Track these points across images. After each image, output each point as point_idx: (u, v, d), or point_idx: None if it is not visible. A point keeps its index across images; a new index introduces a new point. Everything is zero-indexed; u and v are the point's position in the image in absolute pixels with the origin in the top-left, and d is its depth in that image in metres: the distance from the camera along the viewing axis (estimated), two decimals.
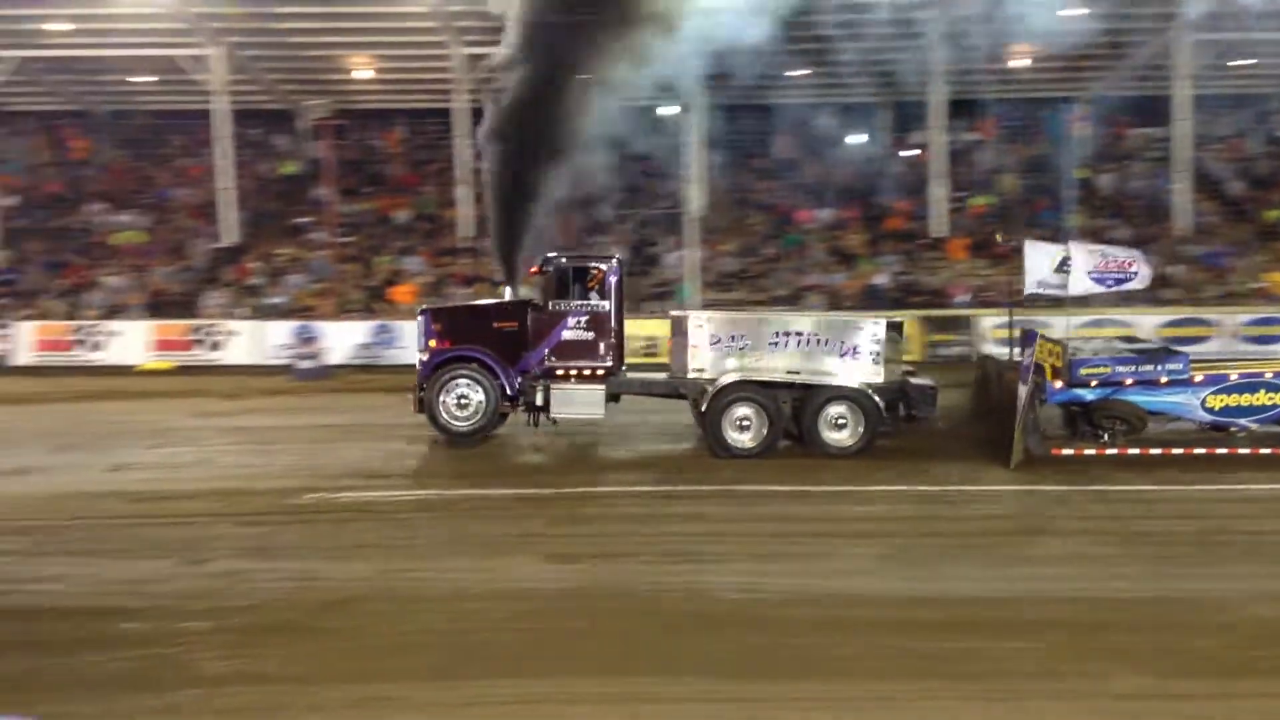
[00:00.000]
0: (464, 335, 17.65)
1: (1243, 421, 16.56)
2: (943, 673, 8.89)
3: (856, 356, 16.74)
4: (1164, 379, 16.23)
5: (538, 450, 17.51)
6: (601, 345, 17.38)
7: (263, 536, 12.95)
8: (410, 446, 17.73)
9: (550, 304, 17.44)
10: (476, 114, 34.95)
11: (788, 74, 32.83)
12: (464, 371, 17.32)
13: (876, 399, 16.55)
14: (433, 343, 17.68)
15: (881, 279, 30.87)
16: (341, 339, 27.46)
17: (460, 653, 9.43)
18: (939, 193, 32.85)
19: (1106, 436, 16.42)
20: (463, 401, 17.35)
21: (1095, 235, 31.40)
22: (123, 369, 27.58)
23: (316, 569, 11.74)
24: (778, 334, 16.89)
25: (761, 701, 8.40)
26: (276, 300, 29.37)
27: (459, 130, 32.00)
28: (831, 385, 16.67)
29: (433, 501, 14.52)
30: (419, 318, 18.12)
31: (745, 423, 16.73)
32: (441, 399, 17.36)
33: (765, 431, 16.69)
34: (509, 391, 17.38)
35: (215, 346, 28.07)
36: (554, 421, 17.71)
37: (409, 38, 31.07)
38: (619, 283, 17.50)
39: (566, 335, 17.36)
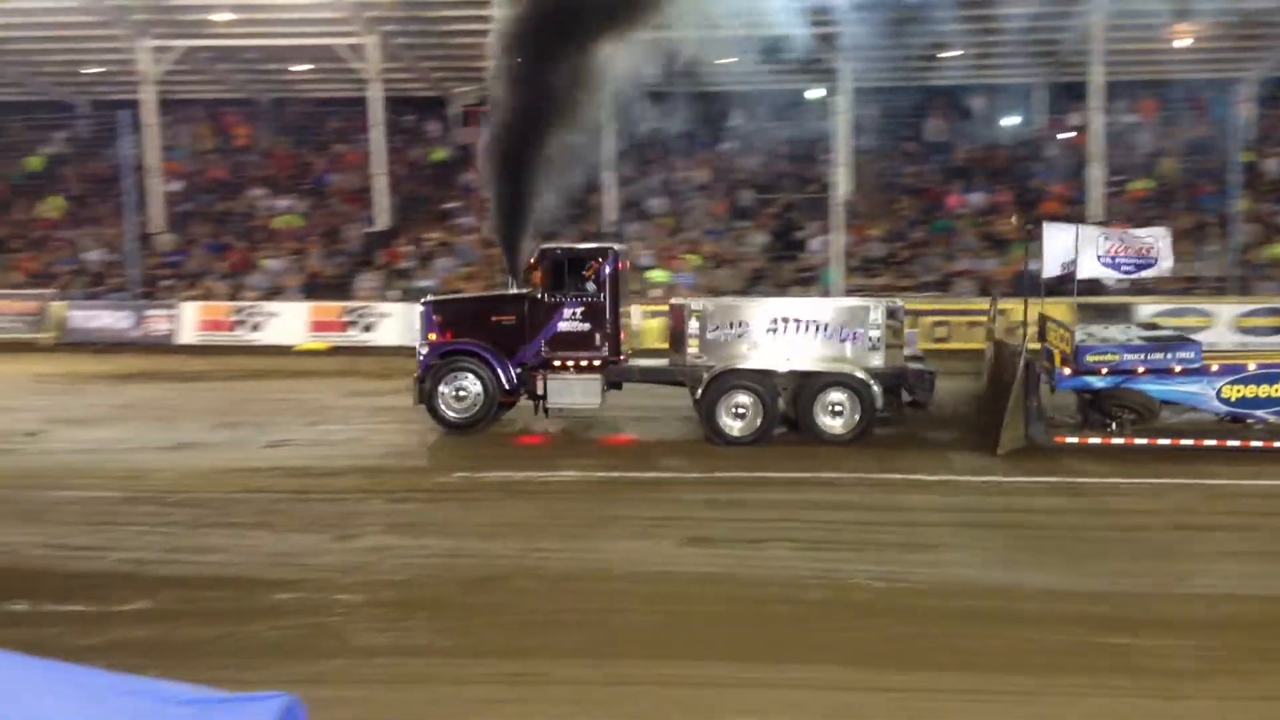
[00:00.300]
0: (464, 328, 17.79)
1: (1260, 413, 16.01)
2: (1089, 668, 8.66)
3: (855, 341, 16.55)
4: (1176, 367, 15.75)
5: (676, 436, 17.58)
6: (597, 336, 17.33)
7: (412, 513, 13.29)
8: (553, 429, 17.99)
9: (546, 295, 17.39)
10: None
11: (940, 54, 32.22)
12: (461, 364, 17.42)
13: (873, 385, 16.31)
14: (432, 335, 17.88)
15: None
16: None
17: (603, 632, 9.54)
18: (1096, 176, 31.86)
19: (1115, 425, 15.95)
20: (460, 393, 17.44)
21: (1257, 218, 30.15)
22: (281, 349, 28.51)
23: (464, 546, 12.00)
24: (776, 320, 16.74)
25: (906, 692, 8.30)
26: (425, 283, 30.03)
27: (607, 116, 32.22)
28: (827, 371, 16.48)
29: (576, 483, 14.70)
30: (420, 309, 18.32)
31: (740, 410, 16.62)
32: (440, 390, 17.46)
33: (760, 419, 16.56)
34: (506, 385, 17.43)
35: (368, 328, 28.82)
36: (546, 414, 17.74)
37: None
38: (614, 274, 17.33)
39: (562, 326, 17.34)
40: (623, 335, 17.67)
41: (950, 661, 8.81)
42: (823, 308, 17.29)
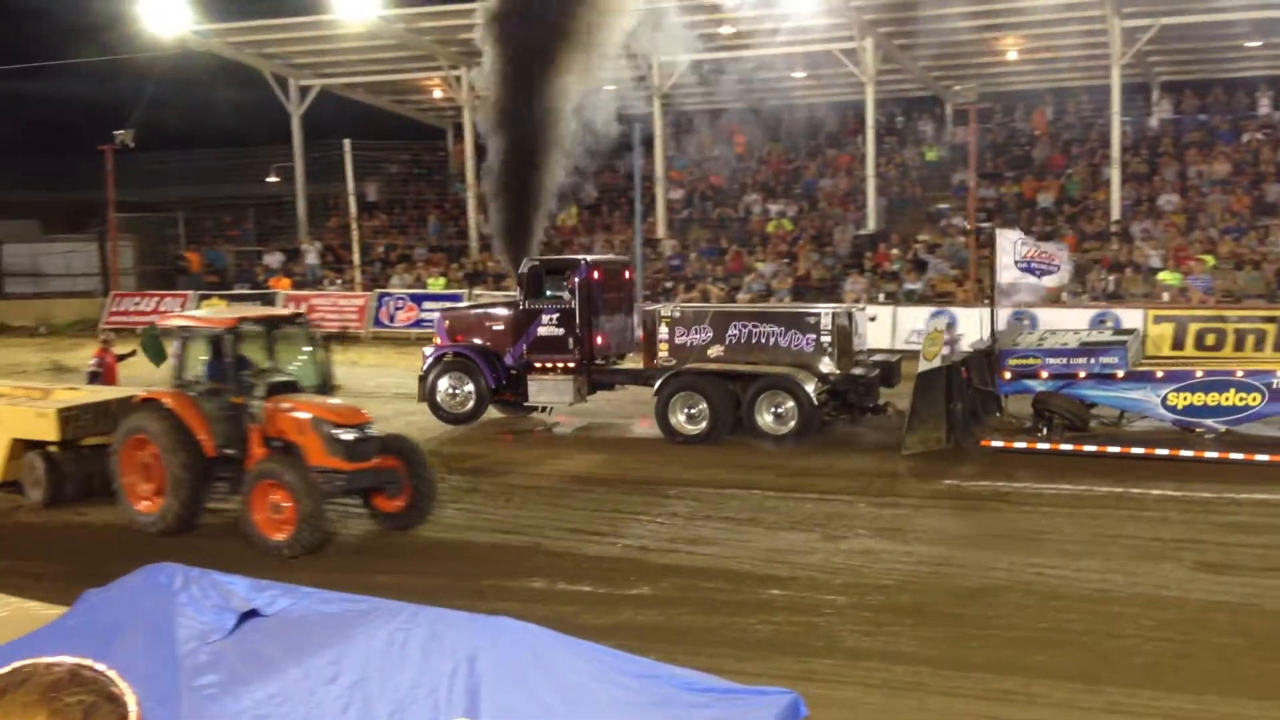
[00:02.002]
0: (466, 333, 19.33)
1: (1209, 422, 15.35)
2: None
3: (806, 346, 17.23)
4: (1082, 374, 15.58)
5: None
6: (570, 340, 18.42)
7: (899, 518, 13.26)
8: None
9: (527, 303, 18.67)
10: (1133, 90, 33.30)
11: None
12: (456, 366, 18.86)
13: (808, 388, 16.82)
14: (436, 339, 19.75)
15: None
16: (976, 326, 27.17)
17: (1099, 656, 9.07)
18: None
19: (1045, 430, 15.96)
20: (453, 391, 18.85)
21: None
22: None
23: (953, 555, 11.81)
24: (736, 325, 17.63)
25: None
26: (913, 286, 29.79)
27: (1112, 108, 30.53)
28: (766, 373, 17.13)
29: (1073, 496, 14.04)
30: (436, 317, 20.60)
31: (692, 410, 17.43)
32: (438, 388, 18.91)
33: (707, 420, 17.28)
34: (492, 385, 18.68)
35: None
36: (528, 411, 19.25)
37: (1063, 14, 30.08)
38: (584, 283, 18.37)
39: (541, 331, 18.57)
40: (600, 339, 18.66)
41: None
42: (779, 315, 18.22)
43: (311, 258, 35.05)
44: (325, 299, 32.05)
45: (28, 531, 13.71)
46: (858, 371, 17.64)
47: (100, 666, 2.03)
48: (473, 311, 20.63)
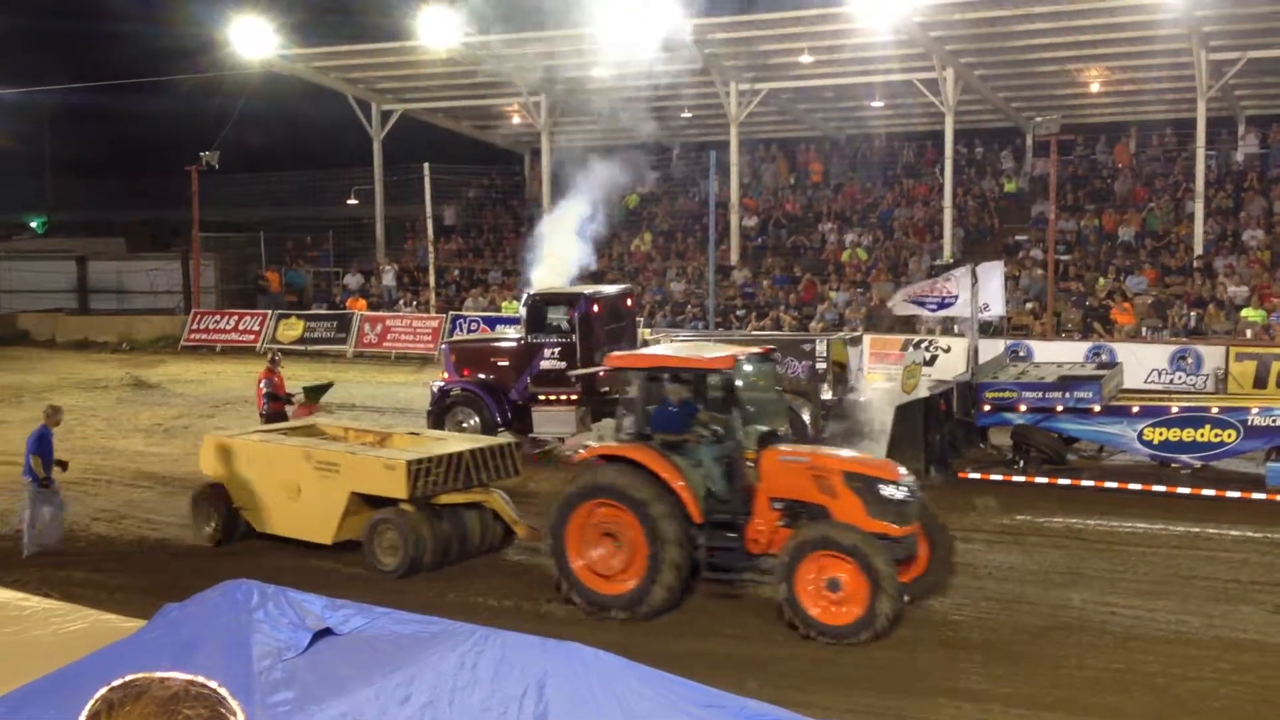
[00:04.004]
0: (473, 368, 19.17)
1: (1184, 458, 15.43)
2: None
3: (803, 373, 18.03)
4: (1059, 407, 15.66)
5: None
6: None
7: (971, 553, 13.08)
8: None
9: (530, 337, 18.63)
10: (1218, 123, 32.77)
11: None
12: (461, 401, 18.78)
13: (805, 416, 16.99)
14: (444, 374, 19.62)
15: None
16: (1052, 360, 26.88)
17: (1174, 700, 8.92)
18: None
19: (1022, 464, 16.01)
20: (463, 426, 18.45)
21: None
22: None
23: (1023, 591, 11.67)
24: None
25: None
26: (988, 318, 29.50)
27: (1197, 141, 30.06)
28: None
29: (1149, 535, 13.79)
30: (442, 349, 20.77)
31: None
32: (445, 422, 18.64)
33: None
34: (498, 419, 18.45)
35: (929, 361, 28.73)
36: (533, 441, 18.78)
37: (1148, 46, 29.73)
38: (584, 317, 18.34)
39: (543, 365, 18.50)
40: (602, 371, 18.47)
41: None
42: (776, 342, 18.02)
43: (388, 279, 35.53)
44: (400, 320, 32.45)
45: (103, 544, 13.97)
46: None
47: (212, 684, 2.10)
48: (478, 345, 20.83)
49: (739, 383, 11.47)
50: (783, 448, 11.22)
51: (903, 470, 10.93)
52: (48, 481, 13.43)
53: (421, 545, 12.23)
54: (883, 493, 10.55)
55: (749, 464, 10.99)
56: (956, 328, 23.80)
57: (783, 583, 10.21)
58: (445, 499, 12.60)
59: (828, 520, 10.48)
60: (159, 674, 2.10)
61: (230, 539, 13.50)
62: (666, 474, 10.79)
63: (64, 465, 13.85)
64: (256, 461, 13.39)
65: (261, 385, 17.65)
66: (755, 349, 12.55)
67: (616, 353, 13.31)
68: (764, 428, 11.44)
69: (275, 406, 17.47)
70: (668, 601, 10.74)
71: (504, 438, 13.67)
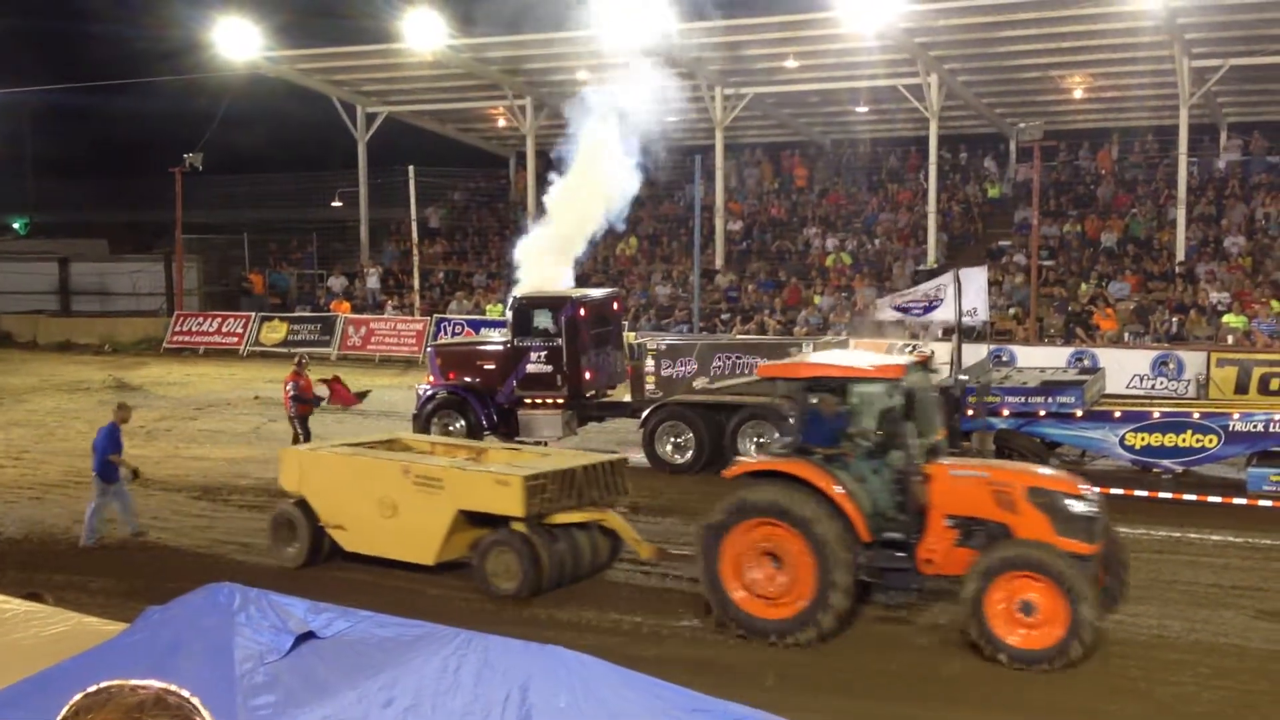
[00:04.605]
0: (458, 371, 19.09)
1: (1166, 463, 15.52)
2: None
3: None
4: (1041, 412, 15.69)
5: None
6: (558, 377, 18.36)
7: None
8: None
9: (516, 341, 18.59)
10: (1200, 130, 32.93)
11: None
12: (447, 404, 18.76)
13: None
14: (429, 378, 19.51)
15: None
16: (1035, 364, 26.96)
17: (1156, 704, 8.97)
18: None
19: None
20: (449, 429, 18.41)
21: None
22: None
23: None
24: (721, 357, 18.35)
25: None
26: (972, 322, 29.59)
27: (1179, 148, 30.21)
28: (749, 404, 17.05)
29: (1127, 540, 13.80)
30: (427, 352, 20.45)
31: (679, 440, 17.62)
32: (431, 426, 18.59)
33: (693, 450, 17.41)
34: (484, 423, 18.45)
35: None
36: (518, 444, 17.78)
37: (1131, 53, 29.87)
38: (571, 321, 18.27)
39: (530, 369, 18.50)
40: (588, 374, 18.52)
41: None
42: (762, 346, 18.72)
43: (372, 282, 35.45)
44: (384, 323, 32.38)
45: (85, 548, 13.89)
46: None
47: (185, 693, 2.08)
48: (464, 348, 20.75)
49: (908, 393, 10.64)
50: (954, 461, 10.76)
51: (1085, 484, 10.34)
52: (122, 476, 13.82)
53: (540, 567, 11.48)
54: (1070, 508, 9.96)
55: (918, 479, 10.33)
56: (941, 332, 23.81)
57: (971, 608, 9.62)
58: (561, 518, 11.76)
59: (1018, 539, 9.84)
60: (134, 681, 2.08)
61: (315, 560, 12.55)
62: (832, 490, 10.15)
63: (136, 473, 14.12)
64: (345, 476, 12.52)
65: (288, 388, 17.94)
66: (913, 356, 12.17)
67: (766, 363, 13.65)
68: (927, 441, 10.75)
69: (303, 409, 17.79)
70: (836, 627, 10.11)
71: (613, 454, 12.92)
